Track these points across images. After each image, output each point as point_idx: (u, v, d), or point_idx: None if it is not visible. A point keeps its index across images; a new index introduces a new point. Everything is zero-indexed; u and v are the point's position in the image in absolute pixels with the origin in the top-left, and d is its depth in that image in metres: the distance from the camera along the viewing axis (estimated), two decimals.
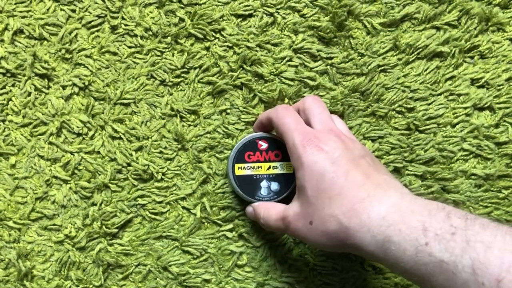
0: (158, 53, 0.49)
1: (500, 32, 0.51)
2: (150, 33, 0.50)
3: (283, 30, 0.50)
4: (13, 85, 0.49)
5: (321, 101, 0.43)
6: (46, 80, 0.49)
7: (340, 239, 0.35)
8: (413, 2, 0.51)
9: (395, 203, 0.33)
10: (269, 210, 0.43)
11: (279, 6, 0.50)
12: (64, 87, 0.49)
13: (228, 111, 0.50)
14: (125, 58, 0.49)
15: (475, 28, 0.51)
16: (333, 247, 0.36)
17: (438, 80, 0.50)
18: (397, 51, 0.50)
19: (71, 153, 0.49)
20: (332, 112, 0.49)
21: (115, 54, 0.49)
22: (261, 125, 0.46)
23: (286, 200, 0.48)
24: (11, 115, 0.49)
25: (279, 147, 0.46)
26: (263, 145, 0.46)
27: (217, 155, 0.49)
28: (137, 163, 0.48)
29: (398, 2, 0.51)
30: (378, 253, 0.33)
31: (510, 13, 0.51)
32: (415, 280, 0.32)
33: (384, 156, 0.50)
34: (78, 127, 0.49)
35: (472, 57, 0.51)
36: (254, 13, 0.50)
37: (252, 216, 0.46)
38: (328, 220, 0.35)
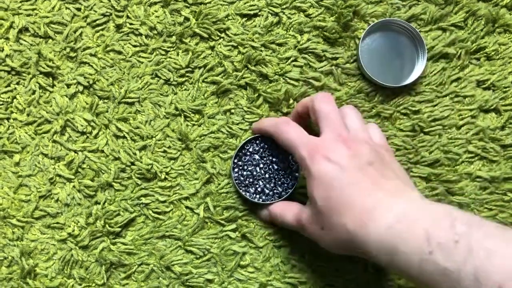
0: (163, 52, 0.49)
1: (507, 33, 0.51)
2: (155, 32, 0.49)
3: (288, 30, 0.50)
4: (17, 83, 0.49)
5: (330, 100, 0.42)
6: (50, 79, 0.49)
7: (349, 246, 0.36)
8: (419, 3, 0.51)
9: (402, 212, 0.34)
10: (285, 211, 0.44)
11: (284, 6, 0.50)
12: (68, 86, 0.49)
13: (233, 111, 0.50)
14: (130, 57, 0.49)
15: (481, 30, 0.50)
16: (344, 252, 0.38)
17: (443, 82, 0.50)
18: None
19: (75, 151, 0.49)
20: None
21: (119, 53, 0.49)
22: (260, 133, 0.47)
23: (289, 199, 0.48)
24: (16, 113, 0.49)
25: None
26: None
27: (221, 155, 0.49)
28: (141, 162, 0.48)
29: (404, 3, 0.50)
30: (385, 260, 0.34)
31: None
32: (422, 287, 0.32)
33: None
34: (82, 125, 0.49)
35: (478, 59, 0.51)
36: (259, 13, 0.50)
37: (267, 218, 0.47)
38: (337, 228, 0.36)
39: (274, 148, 0.47)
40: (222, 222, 0.48)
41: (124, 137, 0.49)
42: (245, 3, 0.50)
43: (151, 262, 0.48)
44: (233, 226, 0.48)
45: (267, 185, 0.46)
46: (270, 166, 0.47)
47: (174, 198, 0.48)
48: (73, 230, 0.48)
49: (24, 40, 0.49)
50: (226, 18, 0.50)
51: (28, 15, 0.49)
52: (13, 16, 0.49)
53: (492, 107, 0.50)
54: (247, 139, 0.47)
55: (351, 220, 0.35)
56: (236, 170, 0.47)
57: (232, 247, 0.48)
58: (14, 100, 0.49)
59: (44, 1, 0.49)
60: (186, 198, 0.49)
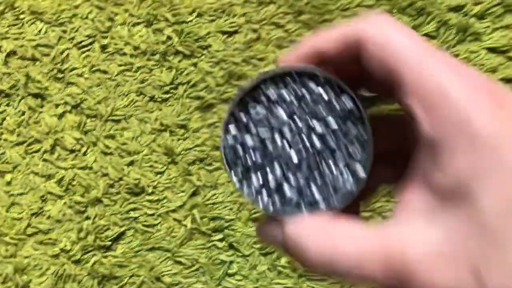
0: (147, 70, 0.51)
1: (477, 41, 0.53)
2: (139, 51, 0.51)
3: (267, 45, 0.52)
4: (7, 105, 0.51)
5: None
6: (39, 99, 0.51)
7: None
8: (393, 15, 0.53)
9: None
10: (336, 238, 0.18)
11: (263, 22, 0.52)
12: (57, 106, 0.51)
13: (217, 124, 0.51)
14: (115, 76, 0.51)
15: (453, 38, 0.53)
16: None
17: None
18: None
19: (65, 169, 0.50)
20: None
21: (105, 72, 0.51)
22: (315, 55, 0.20)
23: None
24: (6, 134, 0.50)
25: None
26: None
27: (206, 167, 0.51)
28: (129, 177, 0.50)
29: None
30: None
31: (486, 23, 0.52)
32: None
33: None
34: (71, 144, 0.50)
35: None
36: (239, 30, 0.52)
37: (276, 241, 0.20)
38: None
39: (322, 103, 0.20)
40: (209, 232, 0.50)
41: (111, 153, 0.51)
42: (225, 21, 0.52)
43: (142, 273, 0.50)
44: (220, 236, 0.50)
45: (290, 179, 0.21)
46: (306, 139, 0.21)
47: (162, 211, 0.50)
48: (65, 245, 0.50)
49: (12, 63, 0.51)
50: (208, 36, 0.52)
51: (16, 39, 0.51)
52: (1, 40, 0.51)
53: None
54: (268, 74, 0.20)
55: None
56: (232, 130, 0.21)
57: (220, 257, 0.50)
58: (4, 121, 0.50)
59: (31, 25, 0.51)
60: (174, 211, 0.50)
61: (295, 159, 0.20)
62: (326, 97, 0.20)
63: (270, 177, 0.21)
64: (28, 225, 0.50)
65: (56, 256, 0.50)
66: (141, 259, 0.50)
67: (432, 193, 0.17)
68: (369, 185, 0.20)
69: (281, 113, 0.21)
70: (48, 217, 0.50)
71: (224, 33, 0.52)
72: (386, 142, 0.21)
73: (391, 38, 0.18)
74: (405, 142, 0.20)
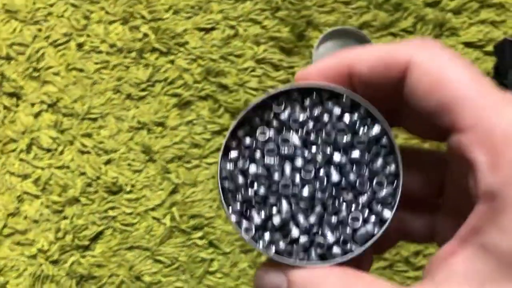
0: (124, 68, 0.51)
1: (454, 36, 0.53)
2: (115, 49, 0.51)
3: (245, 42, 0.52)
4: None
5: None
6: (15, 99, 0.50)
7: None
8: (370, 10, 0.53)
9: None
10: None
11: (240, 19, 0.52)
12: (32, 105, 0.50)
13: (195, 121, 0.51)
14: (92, 74, 0.51)
15: (430, 34, 0.53)
16: None
17: None
18: None
19: (42, 168, 0.50)
20: None
21: (81, 70, 0.51)
22: (342, 72, 0.17)
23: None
24: None
25: None
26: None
27: (184, 165, 0.50)
28: (106, 176, 0.50)
29: (355, 11, 0.53)
30: None
31: (462, 18, 0.53)
32: None
33: None
34: (47, 143, 0.50)
35: None
36: (217, 26, 0.52)
37: None
38: None
39: (344, 128, 0.17)
40: (189, 230, 0.50)
41: (88, 152, 0.50)
42: (202, 18, 0.52)
43: (121, 273, 0.49)
44: (200, 233, 0.50)
45: (299, 216, 0.17)
46: (321, 170, 0.18)
47: (141, 210, 0.50)
48: (43, 246, 0.49)
49: None
50: (185, 33, 0.52)
51: None
52: None
53: None
54: (280, 90, 0.18)
55: None
56: (233, 154, 0.18)
57: (200, 254, 0.50)
58: None
59: (5, 24, 0.51)
60: (152, 209, 0.50)
61: (306, 193, 0.17)
62: (348, 122, 0.17)
63: (274, 212, 0.17)
64: (5, 226, 0.49)
65: (33, 256, 0.49)
66: (120, 259, 0.49)
67: (486, 258, 0.13)
68: (389, 233, 0.16)
69: (294, 137, 0.17)
70: (25, 217, 0.49)
71: (201, 29, 0.52)
72: (417, 183, 0.18)
73: (447, 68, 0.15)
74: (442, 189, 0.17)
